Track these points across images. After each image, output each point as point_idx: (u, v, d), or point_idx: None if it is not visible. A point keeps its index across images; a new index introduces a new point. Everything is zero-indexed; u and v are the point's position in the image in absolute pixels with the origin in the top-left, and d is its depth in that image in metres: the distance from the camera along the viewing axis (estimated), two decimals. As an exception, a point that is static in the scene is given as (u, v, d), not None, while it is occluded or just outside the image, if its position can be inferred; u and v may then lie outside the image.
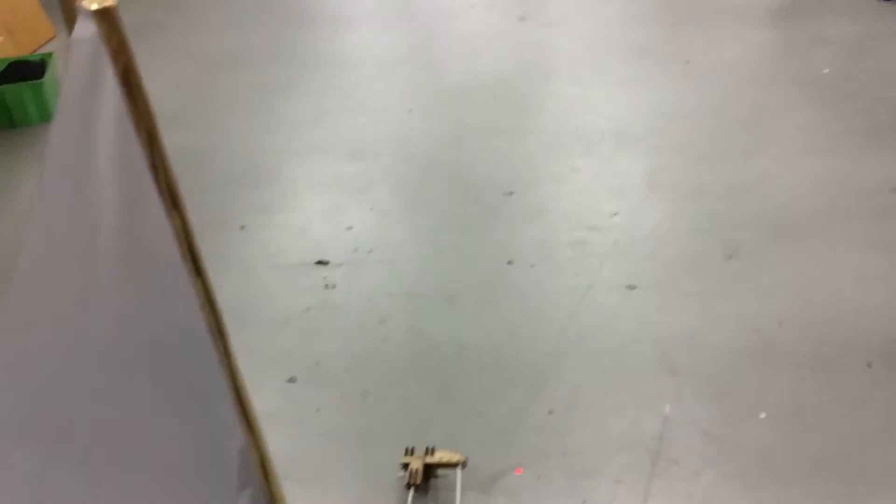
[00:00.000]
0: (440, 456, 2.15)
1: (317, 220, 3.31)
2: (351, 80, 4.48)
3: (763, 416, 2.31)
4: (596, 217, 3.18)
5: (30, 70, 4.21)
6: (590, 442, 2.29)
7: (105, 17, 1.02)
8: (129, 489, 1.30)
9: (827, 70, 4.05)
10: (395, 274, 2.97)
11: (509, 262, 2.98)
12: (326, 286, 2.91)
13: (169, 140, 3.78)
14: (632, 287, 2.81)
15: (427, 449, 2.16)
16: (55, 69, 4.33)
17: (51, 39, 5.15)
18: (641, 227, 3.11)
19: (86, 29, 1.01)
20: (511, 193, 3.37)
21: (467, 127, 3.91)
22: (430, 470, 2.15)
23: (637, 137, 3.69)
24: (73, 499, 1.26)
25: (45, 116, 4.21)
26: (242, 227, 3.28)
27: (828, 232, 2.98)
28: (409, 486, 2.10)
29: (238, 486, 1.38)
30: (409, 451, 2.18)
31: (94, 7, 1.01)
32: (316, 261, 3.04)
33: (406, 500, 2.10)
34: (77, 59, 1.04)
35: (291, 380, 2.52)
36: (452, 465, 2.15)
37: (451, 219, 3.26)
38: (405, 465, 2.16)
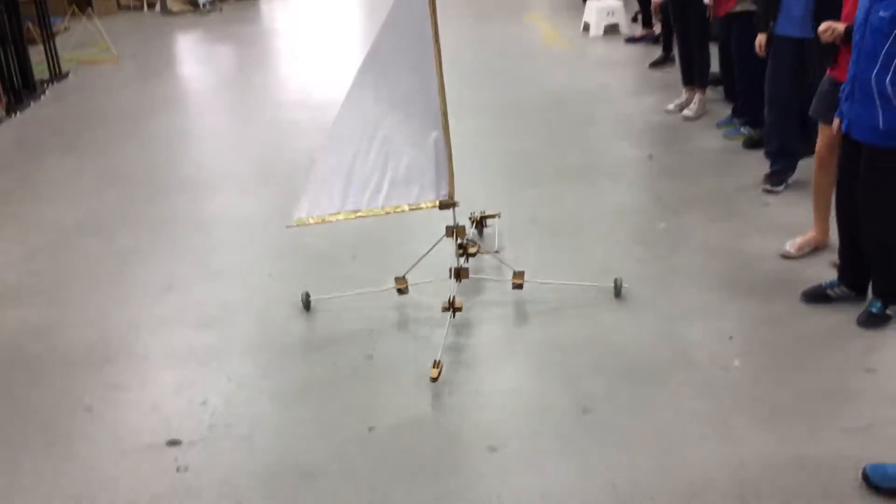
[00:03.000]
0: None
1: (169, 395, 3.19)
2: (207, 245, 4.45)
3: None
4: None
5: None
6: None
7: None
8: (406, 110, 3.40)
9: (663, 225, 4.34)
10: (252, 450, 2.87)
11: (370, 429, 2.94)
12: (178, 469, 2.77)
13: (11, 316, 3.72)
14: (492, 448, 2.82)
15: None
16: None
17: None
18: (500, 387, 3.15)
19: None
20: (370, 357, 3.37)
21: (326, 289, 3.92)
22: None
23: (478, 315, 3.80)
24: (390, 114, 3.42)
25: None
26: (88, 408, 3.12)
27: (676, 383, 3.11)
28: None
29: (433, 127, 3.41)
30: None
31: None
32: (167, 441, 2.91)
33: None
34: None
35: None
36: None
37: (309, 386, 3.21)
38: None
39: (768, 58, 4.46)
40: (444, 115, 3.41)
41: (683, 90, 5.93)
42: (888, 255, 3.29)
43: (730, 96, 5.66)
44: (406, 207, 3.50)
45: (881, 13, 2.94)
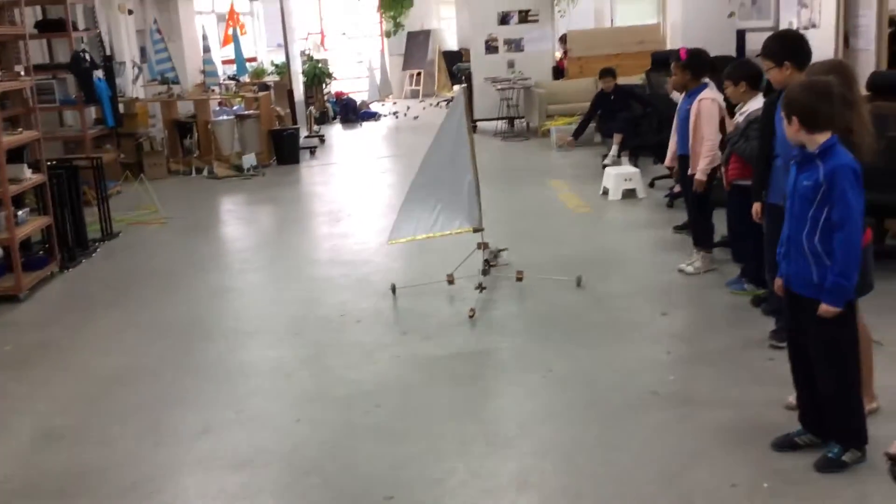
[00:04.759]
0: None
1: (201, 531, 3.38)
2: (241, 392, 4.72)
3: None
4: (470, 519, 3.38)
5: None
6: None
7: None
8: (445, 185, 6.04)
9: (673, 377, 4.56)
10: (276, 584, 3.04)
11: None
12: None
13: (56, 459, 4.11)
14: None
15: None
16: None
17: None
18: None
19: (460, 90, 6.24)
20: (391, 498, 3.56)
21: (353, 434, 4.15)
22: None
23: (508, 439, 4.01)
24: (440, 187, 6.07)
25: None
26: (125, 543, 3.32)
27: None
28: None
29: (468, 184, 6.06)
30: None
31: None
32: (198, 573, 3.09)
33: None
34: (457, 98, 6.13)
35: None
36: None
37: (332, 526, 3.39)
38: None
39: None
40: (475, 175, 6.04)
41: (694, 251, 6.27)
42: (843, 401, 3.53)
43: (737, 258, 5.98)
44: (455, 231, 6.07)
45: (804, 182, 3.40)
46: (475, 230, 6.10)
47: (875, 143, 3.60)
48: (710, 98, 5.89)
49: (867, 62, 7.76)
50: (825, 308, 3.39)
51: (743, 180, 5.33)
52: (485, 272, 6.04)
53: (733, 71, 5.47)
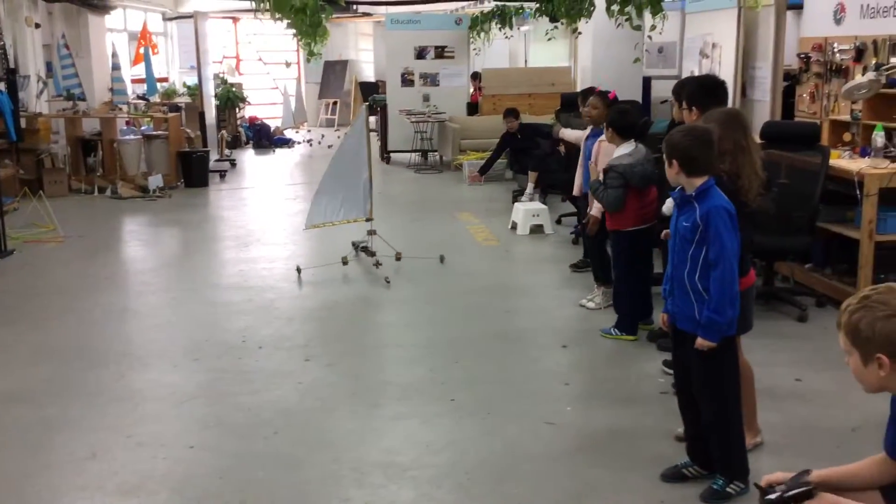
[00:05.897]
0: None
1: (82, 559, 3.26)
2: (132, 416, 4.59)
3: None
4: (363, 547, 3.35)
5: None
6: None
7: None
8: (347, 182, 7.42)
9: (569, 408, 4.65)
10: None
11: None
12: None
13: None
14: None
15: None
16: None
17: None
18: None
19: (363, 107, 8.11)
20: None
21: (247, 462, 4.08)
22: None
23: (404, 468, 4.00)
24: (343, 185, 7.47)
25: None
26: (0, 571, 3.17)
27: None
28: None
29: (365, 182, 7.43)
30: None
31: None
32: None
33: None
34: (361, 112, 7.78)
35: None
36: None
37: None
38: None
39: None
40: (370, 175, 7.42)
41: (595, 286, 6.43)
42: (723, 433, 3.66)
43: (615, 303, 5.99)
44: (353, 220, 7.45)
45: (684, 223, 3.53)
46: (367, 219, 7.47)
47: (762, 189, 3.78)
48: (606, 140, 6.07)
49: (762, 112, 8.14)
50: (701, 342, 3.54)
51: (619, 228, 5.54)
52: (367, 254, 7.56)
53: (610, 115, 5.70)
